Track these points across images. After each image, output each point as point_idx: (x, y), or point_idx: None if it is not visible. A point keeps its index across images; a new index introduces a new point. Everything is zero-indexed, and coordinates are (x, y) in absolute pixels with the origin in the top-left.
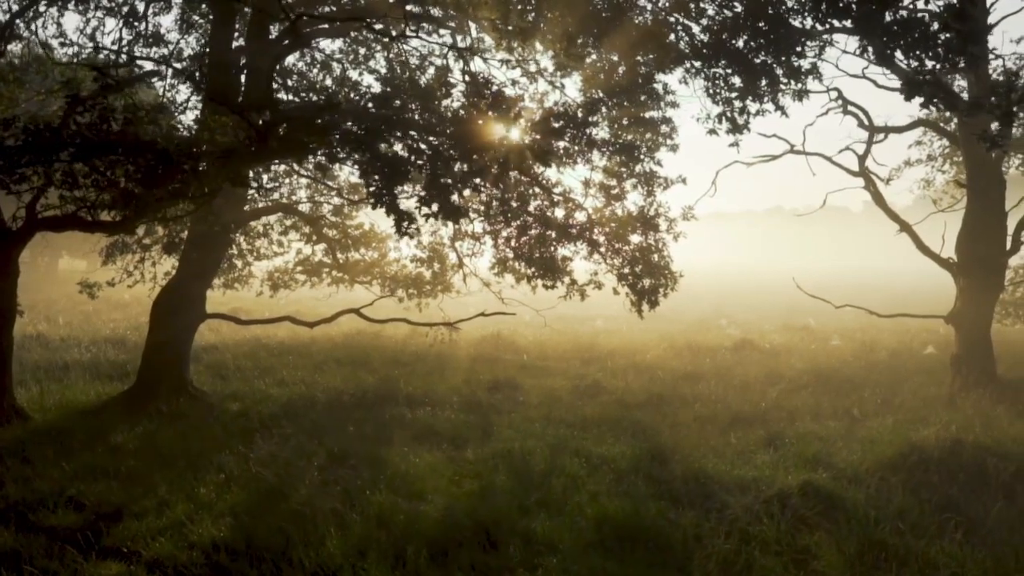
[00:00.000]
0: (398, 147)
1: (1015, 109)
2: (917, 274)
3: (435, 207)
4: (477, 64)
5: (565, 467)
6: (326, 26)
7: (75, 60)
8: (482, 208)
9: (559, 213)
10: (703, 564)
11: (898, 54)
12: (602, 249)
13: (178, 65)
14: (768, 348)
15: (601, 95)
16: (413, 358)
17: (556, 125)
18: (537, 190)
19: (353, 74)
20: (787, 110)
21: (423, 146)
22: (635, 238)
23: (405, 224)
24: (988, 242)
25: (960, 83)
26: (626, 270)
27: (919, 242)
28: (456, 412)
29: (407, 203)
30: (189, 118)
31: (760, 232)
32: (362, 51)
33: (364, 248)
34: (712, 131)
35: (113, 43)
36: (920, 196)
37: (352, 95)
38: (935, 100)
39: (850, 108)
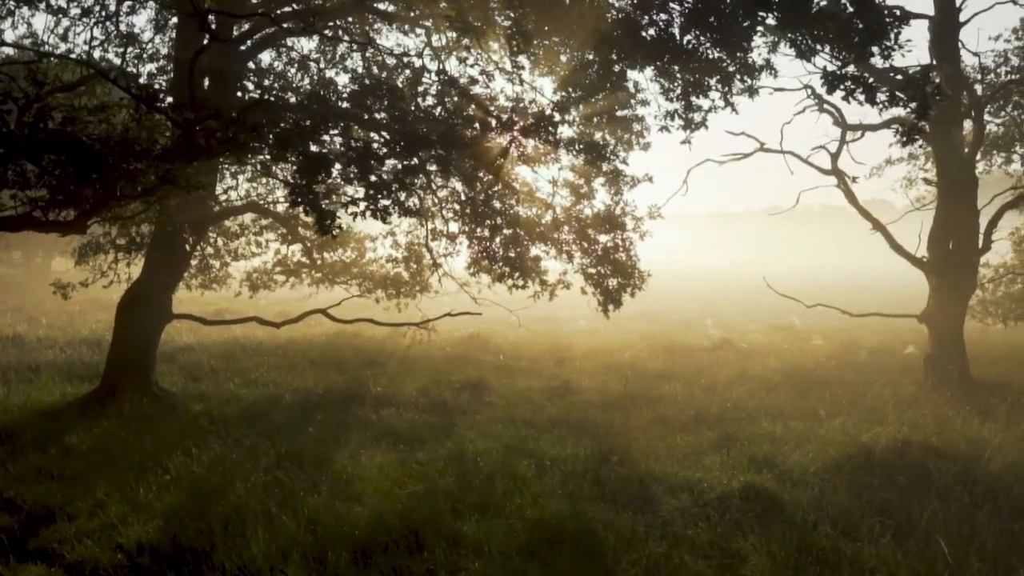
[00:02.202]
0: (334, 144)
1: (930, 102)
2: (911, 272)
3: (362, 205)
4: (459, 65)
5: (515, 469)
6: (290, 25)
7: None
8: (457, 208)
9: (526, 212)
10: (629, 568)
11: (817, 46)
12: (568, 248)
13: (152, 66)
14: (745, 348)
15: (572, 93)
16: (388, 358)
17: (525, 123)
18: (505, 189)
19: (330, 73)
20: (737, 107)
21: (358, 143)
22: (603, 237)
23: (327, 223)
24: (959, 241)
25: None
26: (591, 270)
27: (892, 241)
28: (420, 413)
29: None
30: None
31: (759, 231)
32: (339, 51)
33: (341, 248)
34: (664, 128)
35: (85, 43)
36: (917, 194)
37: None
38: (855, 93)
39: (825, 106)
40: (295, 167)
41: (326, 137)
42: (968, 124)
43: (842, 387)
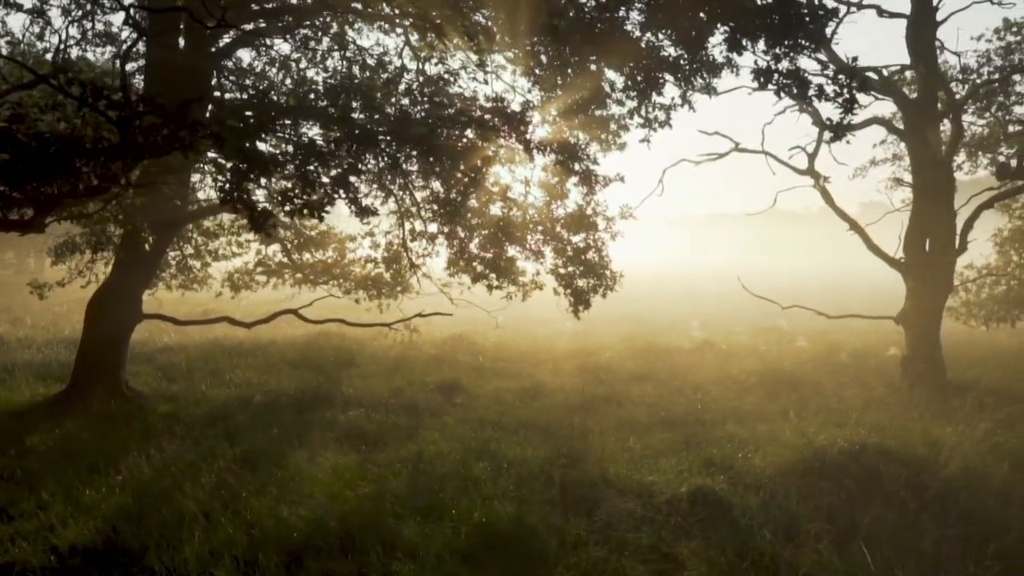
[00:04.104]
0: (274, 141)
1: (855, 96)
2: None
3: (297, 203)
4: (428, 64)
5: (470, 471)
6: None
7: None
8: (435, 208)
9: (500, 212)
10: (565, 572)
11: (745, 40)
12: (538, 248)
13: (131, 65)
14: (725, 349)
15: (547, 93)
16: (368, 360)
17: (496, 122)
18: (477, 189)
19: (311, 73)
20: (695, 105)
21: (302, 140)
22: (575, 238)
23: (261, 220)
24: (935, 242)
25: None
26: (561, 271)
27: (869, 242)
28: (390, 414)
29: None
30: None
31: (757, 233)
32: (319, 51)
33: (321, 249)
34: (623, 126)
35: (60, 42)
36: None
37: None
38: (786, 88)
39: (805, 106)
40: (230, 165)
41: (268, 135)
42: (946, 124)
43: (814, 389)
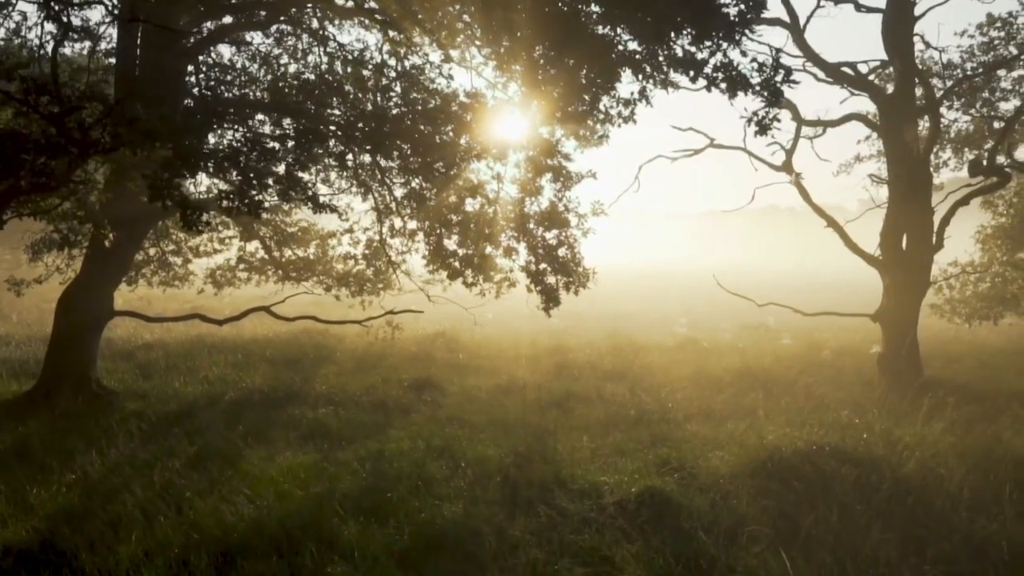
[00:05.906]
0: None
1: (779, 88)
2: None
3: (236, 201)
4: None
5: (425, 470)
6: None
7: None
8: (413, 204)
9: (470, 208)
10: (499, 574)
11: (673, 32)
12: (511, 245)
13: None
14: (707, 347)
15: (525, 88)
16: (348, 356)
17: (471, 118)
18: (450, 185)
19: (292, 69)
20: (651, 99)
21: (247, 135)
22: (548, 234)
23: (193, 216)
24: (912, 239)
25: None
26: (532, 267)
27: (847, 239)
28: (360, 411)
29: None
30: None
31: (756, 231)
32: (296, 46)
33: (302, 246)
34: (601, 121)
35: (36, 37)
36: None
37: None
38: (717, 83)
39: (784, 102)
40: (168, 162)
41: (215, 131)
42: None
43: (787, 387)
